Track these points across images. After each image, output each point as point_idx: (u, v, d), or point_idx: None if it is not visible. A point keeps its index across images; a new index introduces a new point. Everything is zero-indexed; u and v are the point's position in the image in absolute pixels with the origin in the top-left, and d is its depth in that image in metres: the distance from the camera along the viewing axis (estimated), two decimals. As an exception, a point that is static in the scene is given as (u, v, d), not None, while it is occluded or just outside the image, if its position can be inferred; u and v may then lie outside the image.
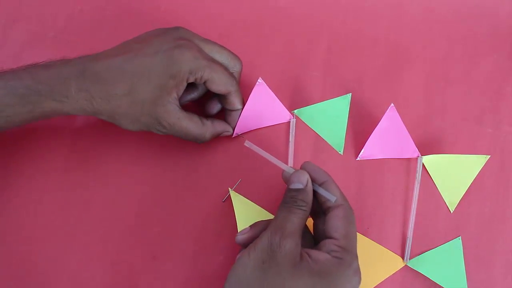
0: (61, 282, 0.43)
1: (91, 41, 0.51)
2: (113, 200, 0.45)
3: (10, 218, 0.45)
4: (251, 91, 0.45)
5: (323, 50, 0.51)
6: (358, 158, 0.47)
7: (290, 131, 0.47)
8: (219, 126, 0.45)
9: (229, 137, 0.47)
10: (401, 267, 0.44)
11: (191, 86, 0.43)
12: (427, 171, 0.47)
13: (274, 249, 0.33)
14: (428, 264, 0.44)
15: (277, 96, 0.47)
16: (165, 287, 0.43)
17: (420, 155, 0.46)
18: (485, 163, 0.46)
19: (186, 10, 0.52)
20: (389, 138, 0.46)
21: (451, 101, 0.50)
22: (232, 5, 0.53)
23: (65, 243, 0.44)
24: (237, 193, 0.45)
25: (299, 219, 0.35)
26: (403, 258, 0.44)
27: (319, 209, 0.37)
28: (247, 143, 0.39)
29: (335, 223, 0.35)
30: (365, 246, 0.44)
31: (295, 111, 0.48)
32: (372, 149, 0.46)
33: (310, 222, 0.39)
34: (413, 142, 0.46)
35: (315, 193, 0.37)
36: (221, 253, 0.44)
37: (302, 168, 0.38)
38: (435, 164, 0.46)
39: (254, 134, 0.47)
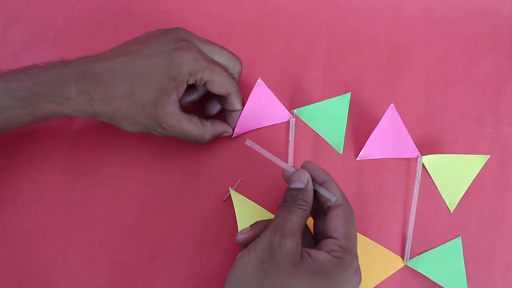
0: (61, 282, 0.43)
1: (91, 41, 0.51)
2: (113, 200, 0.45)
3: (10, 218, 0.45)
4: (250, 92, 0.45)
5: (323, 50, 0.51)
6: (358, 158, 0.47)
7: (290, 130, 0.47)
8: (219, 127, 0.45)
9: (229, 137, 0.47)
10: (401, 267, 0.44)
11: (191, 87, 0.43)
12: (427, 171, 0.47)
13: (274, 248, 0.33)
14: (428, 264, 0.44)
15: (277, 97, 0.47)
16: (165, 287, 0.43)
17: (420, 155, 0.46)
18: (485, 163, 0.46)
19: (186, 10, 0.52)
20: (389, 138, 0.46)
21: (451, 101, 0.50)
22: (232, 5, 0.53)
23: (65, 243, 0.44)
24: (237, 193, 0.45)
25: (300, 218, 0.35)
26: (403, 258, 0.44)
27: (319, 209, 0.37)
28: (248, 142, 0.39)
29: (335, 222, 0.35)
30: (365, 246, 0.44)
31: (295, 110, 0.48)
32: (372, 149, 0.46)
33: (310, 221, 0.39)
34: (413, 142, 0.46)
35: (315, 192, 0.37)
36: (221, 253, 0.44)
37: (302, 167, 0.38)
38: (435, 164, 0.46)
39: (254, 134, 0.47)
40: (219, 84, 0.41)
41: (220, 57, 0.42)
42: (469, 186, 0.46)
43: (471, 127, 0.49)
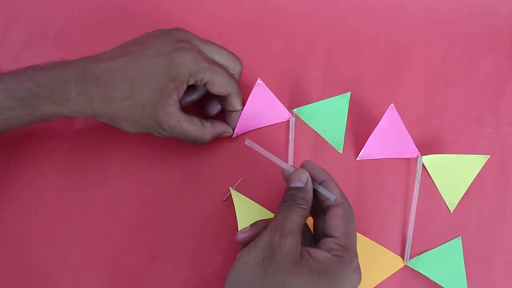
0: (61, 282, 0.43)
1: (91, 41, 0.51)
2: (113, 200, 0.45)
3: (10, 218, 0.45)
4: (250, 92, 0.45)
5: (323, 50, 0.51)
6: (358, 158, 0.47)
7: (290, 130, 0.47)
8: (219, 127, 0.45)
9: (229, 137, 0.47)
10: (401, 267, 0.44)
11: (191, 88, 0.43)
12: (427, 171, 0.47)
13: (274, 247, 0.33)
14: (428, 264, 0.44)
15: (277, 96, 0.47)
16: (165, 287, 0.43)
17: (420, 155, 0.46)
18: (485, 163, 0.46)
19: (186, 10, 0.52)
20: (389, 138, 0.46)
21: (451, 101, 0.50)
22: (232, 5, 0.53)
23: (65, 243, 0.44)
24: (237, 192, 0.45)
25: (299, 217, 0.35)
26: (403, 258, 0.44)
27: (319, 208, 0.37)
28: (248, 142, 0.39)
29: (335, 221, 0.35)
30: (365, 246, 0.44)
31: (295, 110, 0.48)
32: (372, 149, 0.46)
33: (310, 221, 0.39)
34: (413, 142, 0.46)
35: (315, 191, 0.37)
36: (221, 253, 0.44)
37: (302, 166, 0.38)
38: (435, 164, 0.46)
39: (254, 134, 0.47)
40: (219, 84, 0.41)
41: (220, 57, 0.42)
42: (469, 186, 0.46)
43: (471, 127, 0.49)
